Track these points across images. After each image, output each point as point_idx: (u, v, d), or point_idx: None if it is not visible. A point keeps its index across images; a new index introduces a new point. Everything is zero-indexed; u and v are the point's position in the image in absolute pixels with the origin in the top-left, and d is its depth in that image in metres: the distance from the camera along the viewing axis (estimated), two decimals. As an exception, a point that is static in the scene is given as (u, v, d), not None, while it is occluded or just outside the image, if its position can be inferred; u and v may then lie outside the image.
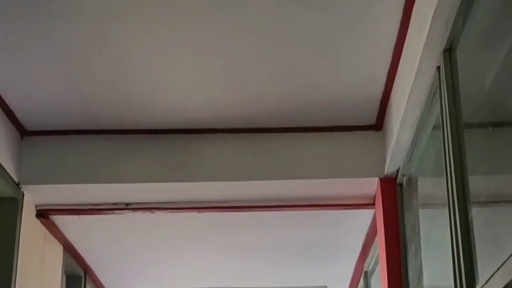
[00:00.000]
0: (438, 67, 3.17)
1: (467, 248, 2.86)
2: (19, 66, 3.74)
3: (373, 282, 5.48)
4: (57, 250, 5.21)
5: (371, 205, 4.54)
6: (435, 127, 3.47)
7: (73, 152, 4.38)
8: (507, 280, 2.36)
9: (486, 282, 2.56)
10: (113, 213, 4.64)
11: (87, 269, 5.81)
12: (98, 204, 4.59)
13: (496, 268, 2.45)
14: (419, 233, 3.90)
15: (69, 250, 5.36)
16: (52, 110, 4.15)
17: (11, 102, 4.08)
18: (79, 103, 4.08)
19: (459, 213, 2.92)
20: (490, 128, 2.70)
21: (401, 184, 4.25)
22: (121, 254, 5.62)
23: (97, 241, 5.36)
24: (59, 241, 5.18)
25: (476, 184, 2.86)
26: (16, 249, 4.40)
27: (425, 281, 3.83)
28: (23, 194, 4.44)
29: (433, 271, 3.69)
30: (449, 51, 3.07)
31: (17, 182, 4.37)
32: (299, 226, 5.10)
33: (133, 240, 5.35)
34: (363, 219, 4.87)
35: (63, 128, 4.34)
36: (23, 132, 4.38)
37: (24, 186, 4.39)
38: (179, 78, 3.89)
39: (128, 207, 4.58)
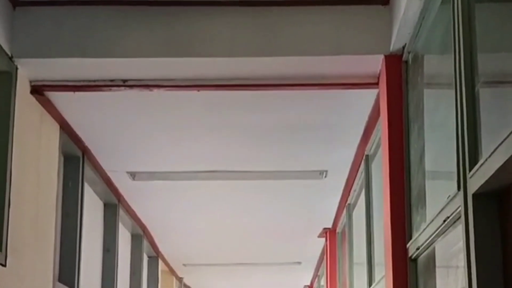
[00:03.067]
0: None
1: (471, 124, 2.82)
2: None
3: (374, 166, 5.44)
4: (54, 129, 5.12)
5: (375, 84, 4.42)
6: (444, 1, 3.34)
7: (68, 24, 4.23)
8: (510, 153, 2.30)
9: (489, 156, 2.52)
10: (110, 90, 4.54)
11: (85, 150, 5.73)
12: (94, 81, 4.48)
13: (499, 142, 2.40)
14: (423, 113, 3.82)
15: (66, 129, 5.28)
16: (45, -23, 4.00)
17: (1, -31, 3.92)
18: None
19: (465, 90, 2.86)
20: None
21: (406, 62, 4.13)
22: (119, 135, 5.54)
23: (94, 121, 5.27)
24: (56, 120, 5.08)
25: (485, 61, 2.77)
26: (11, 126, 4.32)
27: (427, 161, 3.77)
28: (16, 68, 4.32)
29: (435, 151, 3.63)
30: None
31: (10, 55, 4.24)
32: (299, 108, 4.99)
33: (131, 120, 5.26)
34: (365, 100, 4.76)
35: (58, -3, 4.21)
36: (14, 2, 4.21)
37: (17, 60, 4.27)
38: None
39: (125, 84, 4.47)
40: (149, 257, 9.51)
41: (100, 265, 7.01)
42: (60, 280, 5.46)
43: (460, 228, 2.90)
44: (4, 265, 4.22)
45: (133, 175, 6.45)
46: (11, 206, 4.28)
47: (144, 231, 8.47)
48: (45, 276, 4.98)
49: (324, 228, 8.44)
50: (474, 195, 2.73)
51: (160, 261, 9.77)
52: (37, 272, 4.80)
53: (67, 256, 5.59)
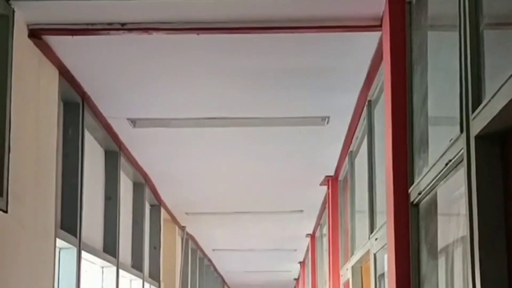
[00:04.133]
0: None
1: (475, 66, 2.77)
2: None
3: (377, 112, 5.39)
4: (53, 75, 5.06)
5: (378, 26, 4.34)
6: None
7: (64, -34, 4.16)
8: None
9: (492, 96, 2.47)
10: (108, 34, 4.47)
11: (84, 96, 5.68)
12: (92, 24, 4.40)
13: (502, 83, 2.36)
14: (426, 54, 3.76)
15: (65, 75, 5.21)
16: None
17: None
18: None
19: (470, 31, 2.79)
20: None
21: (410, 3, 4.05)
22: (119, 80, 5.47)
23: (93, 67, 5.21)
24: (54, 65, 5.01)
25: (489, 1, 2.70)
26: (9, 71, 4.26)
27: (430, 105, 3.72)
28: (13, 11, 4.25)
29: (438, 94, 3.58)
30: None
31: (6, -3, 4.18)
32: (301, 51, 4.90)
33: (131, 66, 5.19)
34: (368, 43, 4.67)
35: None
36: None
37: (14, 3, 4.19)
38: None
39: (123, 27, 4.40)
40: (151, 205, 9.51)
41: (102, 213, 7.01)
42: (62, 227, 5.46)
43: (462, 171, 2.86)
44: (6, 211, 4.20)
45: (133, 122, 6.39)
46: (11, 152, 4.24)
47: (145, 179, 8.46)
48: (47, 223, 4.97)
49: (326, 176, 8.42)
50: (476, 137, 2.70)
51: (162, 210, 9.79)
52: (38, 218, 4.79)
53: (68, 203, 5.59)
